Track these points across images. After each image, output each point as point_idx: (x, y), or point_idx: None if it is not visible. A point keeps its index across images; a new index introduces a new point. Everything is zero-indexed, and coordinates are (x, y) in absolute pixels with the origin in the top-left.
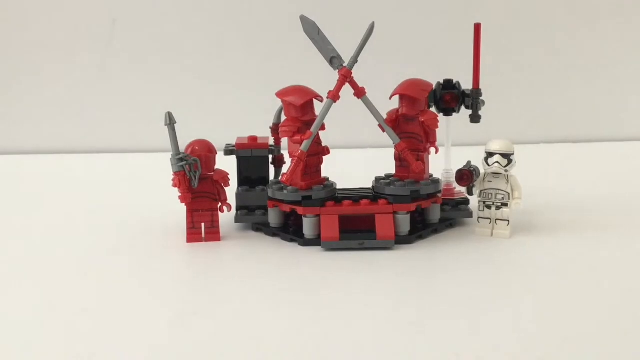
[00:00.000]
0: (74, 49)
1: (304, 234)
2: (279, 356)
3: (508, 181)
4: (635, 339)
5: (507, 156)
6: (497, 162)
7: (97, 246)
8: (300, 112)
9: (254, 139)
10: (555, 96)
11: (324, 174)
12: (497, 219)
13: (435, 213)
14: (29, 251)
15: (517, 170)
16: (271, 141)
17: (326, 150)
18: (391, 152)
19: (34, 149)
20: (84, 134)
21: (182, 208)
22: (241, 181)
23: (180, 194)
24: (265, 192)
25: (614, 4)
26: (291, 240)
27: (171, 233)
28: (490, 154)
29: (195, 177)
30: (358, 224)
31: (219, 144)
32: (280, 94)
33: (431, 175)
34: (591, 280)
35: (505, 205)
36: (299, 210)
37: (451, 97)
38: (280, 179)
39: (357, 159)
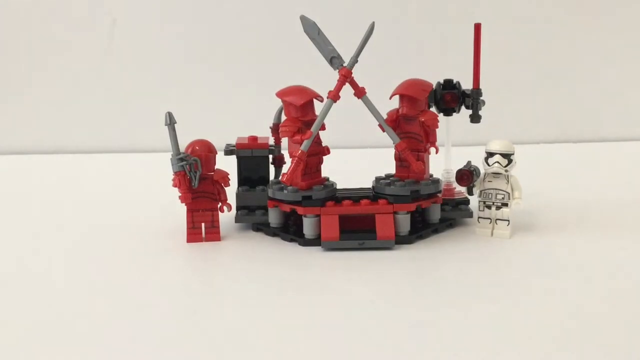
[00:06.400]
0: (74, 48)
1: (304, 234)
2: (279, 356)
3: (508, 181)
4: (636, 338)
5: (507, 156)
6: (497, 162)
7: (97, 246)
8: (300, 112)
9: (254, 139)
10: (555, 96)
11: (324, 174)
12: (497, 219)
13: (435, 213)
14: (28, 251)
15: (517, 170)
16: (271, 141)
17: (326, 150)
18: (391, 152)
19: (34, 149)
20: (84, 134)
21: (182, 208)
22: (241, 181)
23: (180, 194)
24: (265, 192)
25: (614, 4)
26: (291, 240)
27: (171, 233)
28: (490, 154)
29: (196, 177)
30: (358, 224)
31: (219, 144)
32: (280, 94)
33: (431, 175)
34: (591, 279)
35: (506, 205)
36: (299, 210)
37: (451, 97)
38: (280, 178)
39: (357, 159)
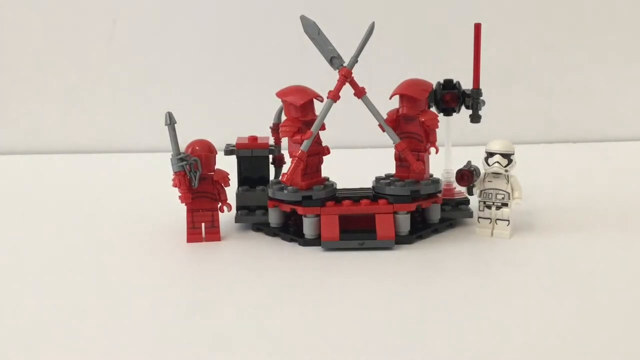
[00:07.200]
0: (74, 48)
1: (304, 234)
2: (279, 356)
3: (508, 181)
4: (636, 338)
5: (508, 156)
6: (498, 162)
7: (97, 246)
8: (300, 112)
9: (254, 139)
10: (555, 96)
11: (324, 174)
12: (497, 219)
13: (435, 213)
14: (28, 251)
15: (517, 170)
16: (271, 141)
17: (326, 150)
18: (391, 152)
19: (34, 149)
20: (85, 134)
21: (182, 208)
22: (241, 181)
23: (180, 194)
24: (265, 192)
25: (615, 4)
26: (291, 240)
27: (171, 233)
28: (490, 154)
29: (196, 177)
30: (358, 224)
31: (219, 144)
32: (281, 94)
33: (431, 175)
34: (591, 280)
35: (506, 205)
36: (299, 210)
37: (451, 97)
38: (280, 178)
39: (357, 159)
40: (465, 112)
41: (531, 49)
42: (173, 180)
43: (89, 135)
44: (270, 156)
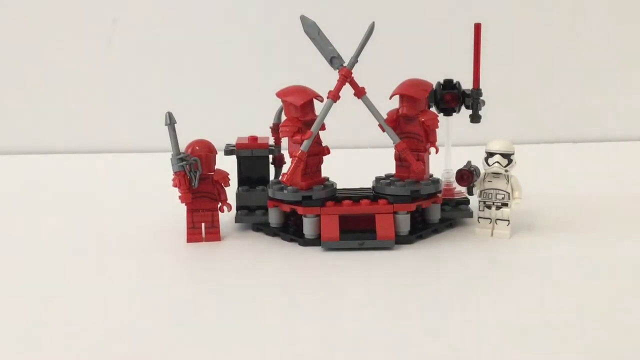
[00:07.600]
0: (74, 48)
1: (304, 234)
2: (279, 356)
3: (508, 181)
4: (636, 338)
5: (508, 156)
6: (497, 162)
7: (97, 246)
8: (300, 112)
9: (254, 139)
10: (555, 96)
11: (324, 174)
12: (497, 219)
13: (435, 213)
14: (29, 251)
15: (517, 170)
16: (271, 141)
17: (326, 150)
18: (391, 152)
19: (34, 149)
20: (84, 134)
21: (182, 208)
22: (241, 181)
23: (180, 194)
24: (265, 192)
25: (615, 4)
26: (291, 240)
27: (171, 233)
28: (490, 154)
29: (196, 177)
30: (358, 224)
31: (219, 144)
32: (281, 94)
33: (431, 175)
34: (591, 279)
35: (506, 205)
36: (299, 210)
37: (451, 97)
38: (280, 178)
39: (357, 159)
40: (465, 112)
41: (532, 49)
42: (173, 180)
43: (89, 135)
44: (270, 156)
